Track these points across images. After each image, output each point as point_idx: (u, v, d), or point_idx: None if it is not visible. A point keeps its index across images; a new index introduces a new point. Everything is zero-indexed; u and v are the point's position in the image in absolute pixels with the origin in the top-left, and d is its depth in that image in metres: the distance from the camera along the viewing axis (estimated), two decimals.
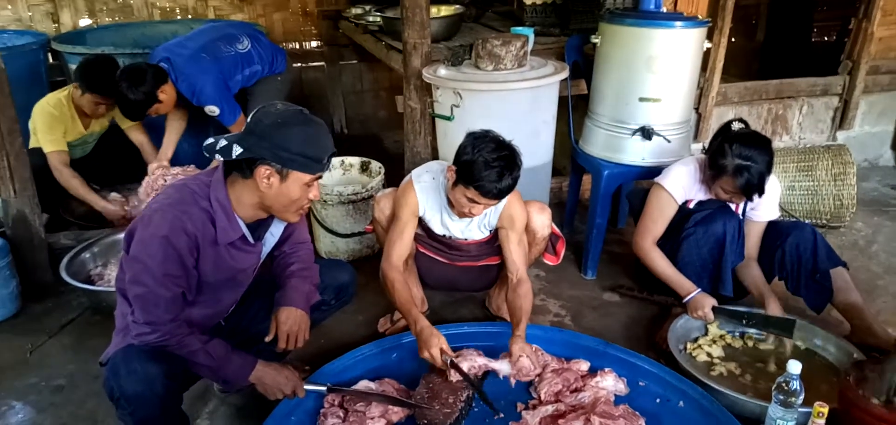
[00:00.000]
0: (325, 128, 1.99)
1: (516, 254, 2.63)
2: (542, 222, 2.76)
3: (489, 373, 2.43)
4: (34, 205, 3.19)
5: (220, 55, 3.65)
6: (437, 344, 2.32)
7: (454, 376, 2.32)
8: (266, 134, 1.87)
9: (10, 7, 5.09)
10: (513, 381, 2.39)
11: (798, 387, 2.02)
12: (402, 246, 2.60)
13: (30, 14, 5.17)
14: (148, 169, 3.74)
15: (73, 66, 3.77)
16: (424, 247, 2.79)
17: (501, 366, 2.40)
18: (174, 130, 3.83)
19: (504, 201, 2.56)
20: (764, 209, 2.90)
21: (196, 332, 2.00)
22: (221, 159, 1.91)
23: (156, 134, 3.95)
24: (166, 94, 3.49)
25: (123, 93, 3.37)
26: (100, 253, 3.33)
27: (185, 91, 3.55)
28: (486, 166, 2.28)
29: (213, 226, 1.94)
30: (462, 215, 2.52)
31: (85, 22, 5.28)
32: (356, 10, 5.14)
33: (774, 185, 2.88)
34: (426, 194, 2.60)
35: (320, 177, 2.01)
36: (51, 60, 4.69)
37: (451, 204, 2.54)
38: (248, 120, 1.93)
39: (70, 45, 4.28)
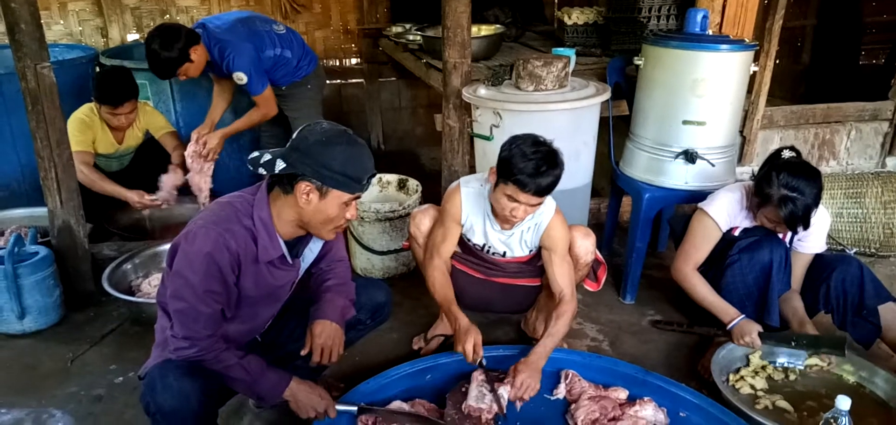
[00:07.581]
0: (367, 149, 2.01)
1: (560, 273, 2.57)
2: (586, 248, 2.71)
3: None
4: (79, 216, 3.25)
5: (256, 29, 3.67)
6: (471, 340, 2.37)
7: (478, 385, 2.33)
8: (310, 151, 1.89)
9: (62, 22, 5.27)
10: (518, 405, 2.34)
11: (847, 424, 1.94)
12: (448, 245, 2.62)
13: (80, 28, 5.34)
14: (192, 135, 3.77)
15: None
16: (461, 263, 2.76)
17: (502, 391, 2.33)
18: (223, 99, 3.89)
19: (546, 218, 2.54)
20: (812, 241, 2.81)
21: (232, 348, 2.01)
22: (266, 173, 1.93)
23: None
24: (198, 54, 3.49)
25: (156, 50, 3.39)
26: (141, 264, 3.38)
27: (216, 56, 3.56)
28: (524, 158, 2.25)
29: (254, 244, 1.96)
30: (504, 221, 2.48)
31: (132, 36, 5.43)
32: (397, 29, 5.18)
33: (823, 218, 2.79)
34: (471, 200, 2.59)
35: (358, 197, 2.02)
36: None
37: (494, 212, 2.51)
38: (293, 136, 1.95)
39: (118, 59, 4.37)
